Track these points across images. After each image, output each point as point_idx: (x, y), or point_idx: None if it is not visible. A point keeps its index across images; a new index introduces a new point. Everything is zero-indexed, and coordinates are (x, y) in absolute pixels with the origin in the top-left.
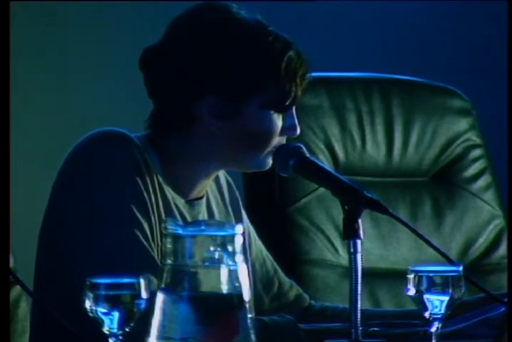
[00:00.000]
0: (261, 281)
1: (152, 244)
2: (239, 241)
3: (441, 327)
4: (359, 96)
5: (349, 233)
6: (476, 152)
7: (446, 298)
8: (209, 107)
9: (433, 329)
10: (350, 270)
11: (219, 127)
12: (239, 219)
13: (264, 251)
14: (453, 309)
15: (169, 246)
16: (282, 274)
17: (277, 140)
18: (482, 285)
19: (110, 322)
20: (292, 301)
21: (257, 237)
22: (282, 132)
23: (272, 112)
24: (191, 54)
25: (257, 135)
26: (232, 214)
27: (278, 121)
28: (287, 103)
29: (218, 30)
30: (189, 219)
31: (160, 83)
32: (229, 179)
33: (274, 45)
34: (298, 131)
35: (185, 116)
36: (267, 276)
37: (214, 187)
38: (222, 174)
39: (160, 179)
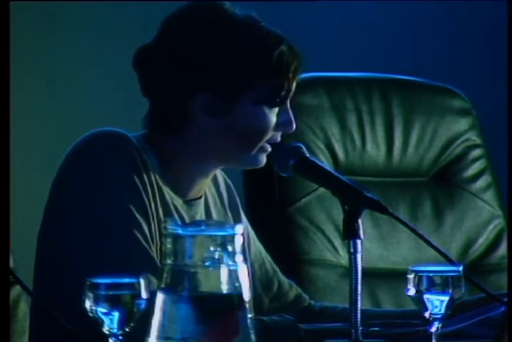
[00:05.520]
0: (260, 282)
1: (151, 244)
2: (239, 241)
3: (441, 327)
4: (359, 96)
5: (349, 233)
6: (476, 152)
7: (446, 298)
8: (201, 105)
9: (433, 329)
10: (350, 270)
11: (213, 124)
12: (237, 220)
13: (263, 252)
14: (453, 309)
15: (169, 246)
16: (281, 275)
17: (271, 135)
18: (482, 285)
19: (110, 322)
20: (292, 301)
21: (255, 238)
22: (277, 128)
23: (266, 107)
24: (183, 52)
25: (251, 131)
26: (230, 214)
27: (272, 116)
28: (280, 98)
29: (209, 28)
30: (187, 219)
31: (153, 82)
32: (228, 180)
33: (265, 40)
34: (293, 126)
35: (179, 114)
36: (266, 277)
37: (212, 187)
38: (220, 175)
39: (159, 179)
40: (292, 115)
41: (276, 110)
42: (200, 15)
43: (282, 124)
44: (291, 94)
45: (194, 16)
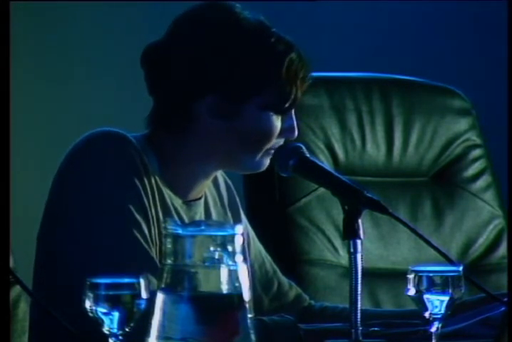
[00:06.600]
0: (260, 282)
1: (151, 245)
2: (239, 241)
3: (441, 327)
4: (359, 96)
5: (349, 233)
6: (476, 152)
7: (446, 298)
8: (208, 107)
9: (433, 329)
10: (350, 270)
11: (217, 127)
12: (237, 220)
13: (263, 252)
14: (453, 309)
15: (169, 246)
16: (281, 275)
17: (275, 141)
18: (482, 285)
19: (110, 322)
20: (292, 301)
21: (255, 238)
22: (280, 134)
23: (272, 113)
24: (192, 53)
25: (256, 136)
26: (230, 215)
27: (277, 123)
28: (287, 105)
29: (220, 30)
30: (186, 219)
31: (160, 81)
32: (228, 181)
33: (276, 47)
34: (296, 133)
35: (184, 115)
36: (266, 277)
37: (212, 188)
38: (220, 175)
39: (158, 180)
40: (295, 122)
41: (281, 116)
42: (210, 16)
43: (285, 130)
44: (298, 101)
45: (204, 16)
